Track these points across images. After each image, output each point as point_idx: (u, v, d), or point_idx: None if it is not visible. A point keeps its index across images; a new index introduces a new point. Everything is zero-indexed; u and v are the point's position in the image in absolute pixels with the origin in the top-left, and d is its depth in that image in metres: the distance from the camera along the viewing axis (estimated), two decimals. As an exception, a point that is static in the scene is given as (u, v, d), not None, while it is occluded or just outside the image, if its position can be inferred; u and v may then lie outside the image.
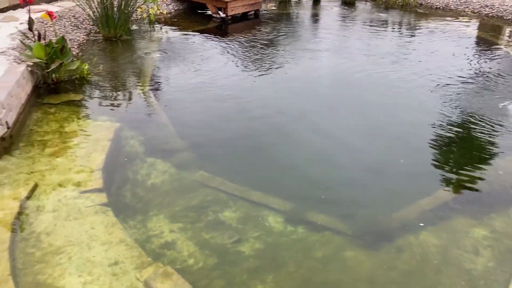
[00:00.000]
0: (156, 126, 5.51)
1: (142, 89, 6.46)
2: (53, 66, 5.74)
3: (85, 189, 3.95)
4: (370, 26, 10.58)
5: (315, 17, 11.72)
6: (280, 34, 9.65)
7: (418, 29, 10.46)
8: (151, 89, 6.49)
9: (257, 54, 8.19)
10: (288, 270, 3.37)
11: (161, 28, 9.66)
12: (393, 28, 10.62)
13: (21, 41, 6.25)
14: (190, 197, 4.20)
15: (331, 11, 12.15)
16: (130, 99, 6.18)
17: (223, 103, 6.18)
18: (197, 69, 7.31)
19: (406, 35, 9.96)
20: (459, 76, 7.19)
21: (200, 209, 4.04)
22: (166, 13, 10.63)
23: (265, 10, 11.71)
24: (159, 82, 6.84)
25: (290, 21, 11.03)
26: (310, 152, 5.05)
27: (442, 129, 5.48)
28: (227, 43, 8.75)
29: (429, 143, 5.21)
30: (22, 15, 8.30)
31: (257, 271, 3.34)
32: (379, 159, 4.94)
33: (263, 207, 4.07)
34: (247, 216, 3.97)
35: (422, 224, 3.87)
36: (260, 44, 8.76)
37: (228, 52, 8.22)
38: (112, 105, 5.92)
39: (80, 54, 7.47)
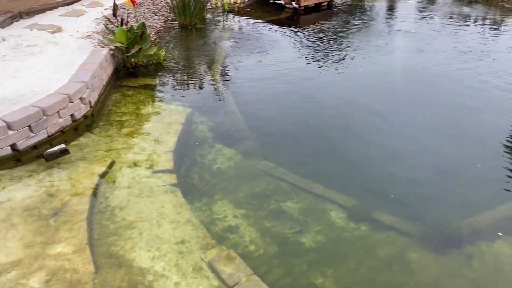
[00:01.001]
0: (224, 113, 5.64)
1: (212, 77, 6.63)
2: (133, 51, 6.05)
3: (157, 169, 4.16)
4: (450, 20, 10.02)
5: (390, 10, 11.30)
6: (353, 26, 9.43)
7: (504, 25, 9.73)
8: (221, 77, 6.64)
9: (328, 47, 8.07)
10: (349, 266, 3.34)
11: (233, 18, 9.82)
12: (476, 24, 9.97)
13: (105, 26, 6.64)
14: (254, 185, 4.27)
15: (407, 3, 11.65)
16: (201, 86, 6.37)
17: (290, 94, 6.19)
18: (267, 59, 7.36)
19: (490, 31, 9.31)
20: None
21: (262, 197, 4.10)
22: (240, 2, 10.78)
23: (339, 2, 11.48)
24: (229, 70, 6.98)
25: (364, 13, 10.73)
26: (379, 149, 4.92)
27: (525, 134, 5.10)
28: (298, 35, 8.70)
29: (509, 147, 4.87)
30: (107, 1, 8.80)
31: (317, 264, 3.34)
32: (454, 161, 4.70)
33: (326, 200, 4.05)
34: (309, 208, 3.97)
35: (500, 234, 3.65)
36: (332, 37, 8.62)
37: (298, 44, 8.18)
38: (184, 90, 6.14)
39: (157, 40, 7.80)
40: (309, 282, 3.18)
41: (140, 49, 6.13)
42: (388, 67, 7.41)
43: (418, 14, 10.72)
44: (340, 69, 7.11)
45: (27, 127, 4.13)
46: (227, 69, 7.03)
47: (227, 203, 3.99)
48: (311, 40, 8.42)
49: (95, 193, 3.77)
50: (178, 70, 6.78)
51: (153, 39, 7.54)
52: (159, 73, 6.56)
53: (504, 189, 4.26)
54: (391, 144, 5.03)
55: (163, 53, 6.74)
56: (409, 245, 3.55)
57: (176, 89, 6.15)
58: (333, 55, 7.67)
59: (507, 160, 4.67)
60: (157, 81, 6.26)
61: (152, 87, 6.03)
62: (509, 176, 4.43)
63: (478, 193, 4.25)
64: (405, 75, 7.12)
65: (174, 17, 8.85)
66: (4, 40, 6.23)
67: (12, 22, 7.13)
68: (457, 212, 3.97)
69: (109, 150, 4.39)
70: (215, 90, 6.26)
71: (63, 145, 4.08)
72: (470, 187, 4.34)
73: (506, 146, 4.90)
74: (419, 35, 9.09)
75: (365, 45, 8.23)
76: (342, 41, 8.43)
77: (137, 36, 6.04)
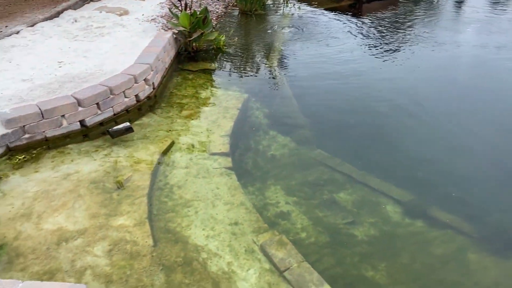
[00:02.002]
0: (280, 100, 5.65)
1: (270, 64, 6.64)
2: (195, 35, 6.18)
3: (213, 151, 4.27)
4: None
5: (459, 2, 10.72)
6: (417, 17, 9.05)
7: None
8: (279, 64, 6.64)
9: (389, 38, 7.81)
10: (403, 262, 3.27)
11: (294, 5, 9.73)
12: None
13: (169, 10, 6.82)
14: (307, 173, 4.27)
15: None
16: (258, 72, 6.41)
17: (347, 84, 6.08)
18: (325, 48, 7.26)
19: None
20: None
21: (315, 186, 4.09)
22: (301, -11, 10.66)
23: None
24: (286, 57, 6.96)
25: (431, 4, 10.25)
26: (441, 145, 4.74)
27: None
28: (358, 24, 8.49)
29: None
30: (170, -14, 9.01)
31: (369, 257, 3.30)
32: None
33: (380, 194, 3.98)
34: (363, 201, 3.92)
35: None
36: (394, 27, 8.33)
37: (358, 33, 7.98)
38: (242, 76, 6.21)
39: (218, 25, 7.91)
40: (360, 274, 3.16)
41: (202, 33, 6.25)
42: (453, 60, 7.07)
43: (490, 7, 10.08)
44: (401, 62, 6.87)
45: (95, 105, 4.36)
46: (284, 56, 7.01)
47: (279, 190, 4.03)
48: (372, 30, 8.19)
49: (155, 171, 3.94)
50: (237, 55, 6.85)
51: (214, 24, 7.65)
52: (219, 58, 6.67)
53: None
54: (453, 140, 4.82)
55: (223, 38, 6.83)
56: (467, 245, 3.43)
57: (234, 74, 6.23)
58: (394, 47, 7.42)
59: None
60: (216, 66, 6.37)
61: (211, 72, 6.15)
62: None
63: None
64: (473, 70, 6.76)
65: (235, 3, 8.92)
66: (76, 21, 6.58)
67: (83, 4, 7.51)
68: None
69: (169, 130, 4.55)
70: (272, 76, 6.28)
71: (128, 123, 4.28)
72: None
73: None
74: (487, 30, 8.57)
75: (429, 37, 7.89)
76: (405, 32, 8.13)
77: (200, 20, 6.16)
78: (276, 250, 3.14)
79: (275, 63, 6.65)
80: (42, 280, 2.71)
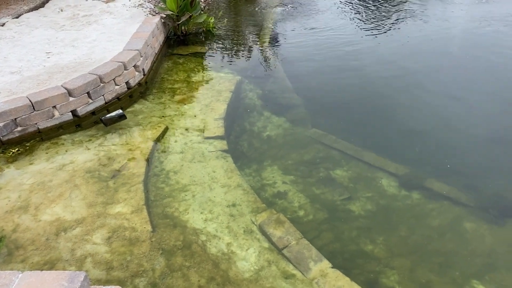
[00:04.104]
0: (273, 80, 5.61)
1: (261, 44, 6.57)
2: (183, 19, 6.10)
3: (208, 135, 4.25)
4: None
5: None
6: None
7: None
8: (270, 44, 6.58)
9: (380, 13, 7.73)
10: (400, 234, 3.30)
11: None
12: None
13: (156, -5, 6.72)
14: (303, 152, 4.27)
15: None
16: (250, 53, 6.35)
17: (340, 61, 6.04)
18: (316, 26, 7.18)
19: None
20: None
21: (311, 164, 4.10)
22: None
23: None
24: (277, 37, 6.89)
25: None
26: (435, 117, 4.74)
27: None
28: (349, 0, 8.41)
29: None
30: (156, -30, 8.85)
31: (367, 231, 3.33)
32: (513, 130, 4.46)
33: (376, 169, 3.99)
34: (359, 176, 3.93)
35: None
36: (386, 3, 8.24)
37: (349, 9, 7.89)
38: (233, 58, 6.15)
39: (206, 8, 7.80)
40: (359, 249, 3.19)
41: (190, 16, 6.17)
42: (446, 30, 7.01)
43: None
44: (394, 34, 6.82)
45: (86, 94, 4.32)
46: (275, 36, 6.94)
47: (276, 170, 4.03)
48: (364, 6, 8.09)
49: (150, 158, 3.93)
50: (227, 37, 6.78)
51: (202, 7, 7.54)
52: (209, 41, 6.59)
53: None
54: (445, 111, 4.82)
55: (212, 20, 6.75)
56: (463, 214, 3.46)
57: (225, 56, 6.17)
58: (385, 22, 7.35)
59: None
60: (207, 49, 6.31)
61: (202, 55, 6.09)
62: None
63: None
64: (467, 40, 6.72)
65: (223, -16, 8.77)
66: (62, 10, 6.47)
67: (69, -7, 7.37)
68: (517, 182, 3.80)
69: (163, 116, 4.53)
70: (264, 57, 6.22)
71: (120, 111, 4.25)
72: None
73: None
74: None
75: (420, 12, 7.81)
76: (395, 7, 8.03)
77: (187, 3, 6.07)
78: (274, 228, 3.15)
79: (267, 44, 6.59)
80: (42, 270, 2.72)
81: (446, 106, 4.91)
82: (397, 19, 7.41)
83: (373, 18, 7.50)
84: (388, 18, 7.48)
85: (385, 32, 6.91)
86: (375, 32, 6.92)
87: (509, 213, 3.46)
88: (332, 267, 2.86)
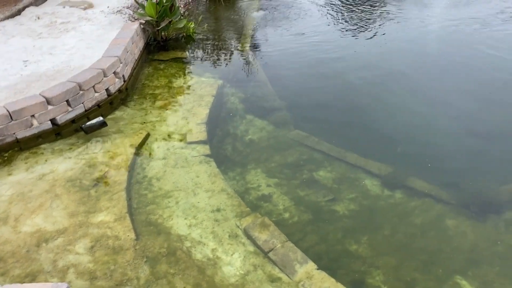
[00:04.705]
0: (255, 84, 5.62)
1: (242, 48, 6.58)
2: (162, 24, 6.07)
3: (191, 140, 4.22)
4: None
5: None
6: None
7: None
8: (251, 48, 6.59)
9: (360, 16, 7.82)
10: (384, 233, 3.33)
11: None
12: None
13: (135, 0, 6.66)
14: (286, 154, 4.28)
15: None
16: (231, 57, 6.34)
17: (321, 64, 6.08)
18: (297, 29, 7.22)
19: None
20: None
21: (295, 167, 4.11)
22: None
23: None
24: (258, 41, 6.90)
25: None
26: (414, 116, 4.81)
27: None
28: (329, 2, 8.47)
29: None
30: (135, -25, 8.78)
31: (352, 231, 3.35)
32: (493, 127, 4.54)
33: (359, 169, 4.03)
34: (343, 177, 3.96)
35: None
36: (366, 5, 8.34)
37: (329, 13, 7.96)
38: (215, 63, 6.14)
39: (186, 13, 7.77)
40: (344, 249, 3.21)
41: (169, 22, 6.14)
42: (424, 30, 7.13)
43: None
44: (373, 36, 6.91)
45: (65, 102, 4.26)
46: (256, 40, 6.95)
47: (260, 173, 4.03)
48: (344, 8, 8.18)
49: (132, 165, 3.88)
50: (208, 42, 6.77)
51: (182, 12, 7.51)
52: (189, 46, 6.57)
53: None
54: (425, 110, 4.90)
55: (192, 25, 6.72)
56: (446, 212, 3.51)
57: (207, 61, 6.15)
58: (365, 24, 7.44)
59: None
60: (188, 54, 6.28)
61: (183, 60, 6.06)
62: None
63: (518, 160, 4.12)
64: (443, 39, 6.84)
65: (203, -11, 8.76)
66: (39, 18, 6.37)
67: (46, 0, 7.26)
68: (496, 178, 3.86)
69: (144, 122, 4.49)
70: (245, 61, 6.22)
71: (101, 118, 4.20)
72: (509, 153, 4.20)
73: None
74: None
75: (399, 14, 7.93)
76: (375, 9, 8.14)
77: (167, 9, 6.04)
78: (259, 232, 3.15)
79: (248, 48, 6.60)
80: (23, 283, 2.66)
81: (425, 105, 4.99)
82: (379, 21, 7.51)
83: (355, 22, 7.59)
84: (370, 21, 7.56)
85: (367, 34, 6.99)
86: (356, 35, 7.00)
87: (489, 209, 3.53)
88: (317, 269, 2.87)
